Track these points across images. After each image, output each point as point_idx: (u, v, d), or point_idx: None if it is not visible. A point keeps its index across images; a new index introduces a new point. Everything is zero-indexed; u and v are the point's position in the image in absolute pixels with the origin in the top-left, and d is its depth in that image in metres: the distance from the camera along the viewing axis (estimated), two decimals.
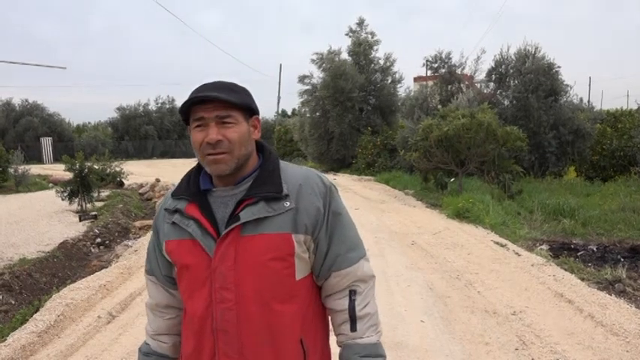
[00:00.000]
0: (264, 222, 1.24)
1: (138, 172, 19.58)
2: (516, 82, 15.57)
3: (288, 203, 1.26)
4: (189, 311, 1.33)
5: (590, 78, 58.36)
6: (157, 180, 16.54)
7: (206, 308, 1.27)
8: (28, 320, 4.26)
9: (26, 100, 36.00)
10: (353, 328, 1.33)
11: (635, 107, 17.68)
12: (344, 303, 1.34)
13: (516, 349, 3.66)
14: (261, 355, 1.26)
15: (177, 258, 1.32)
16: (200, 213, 1.28)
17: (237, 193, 1.29)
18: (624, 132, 15.27)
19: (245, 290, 1.24)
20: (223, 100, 1.24)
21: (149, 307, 1.49)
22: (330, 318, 1.42)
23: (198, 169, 1.39)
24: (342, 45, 23.42)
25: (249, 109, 1.31)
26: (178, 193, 1.35)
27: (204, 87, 1.29)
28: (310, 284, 1.35)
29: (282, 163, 1.36)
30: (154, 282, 1.46)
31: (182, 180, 1.39)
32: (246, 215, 1.24)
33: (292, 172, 1.34)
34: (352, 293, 1.34)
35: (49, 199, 12.25)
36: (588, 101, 23.44)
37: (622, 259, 6.20)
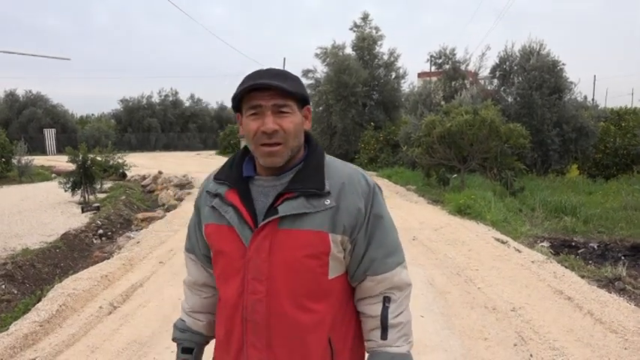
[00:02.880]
0: (303, 218, 1.21)
1: (141, 164, 19.61)
2: (520, 79, 15.51)
3: (329, 201, 1.22)
4: (222, 297, 1.33)
5: (594, 76, 58.24)
6: (160, 172, 16.57)
7: (238, 297, 1.26)
8: (30, 310, 4.29)
9: (30, 91, 36.07)
10: (384, 336, 1.29)
11: (639, 105, 17.62)
12: (377, 309, 1.30)
13: (515, 345, 3.68)
14: (288, 349, 1.24)
15: (213, 242, 1.32)
16: (240, 201, 1.26)
17: (278, 184, 1.26)
18: (628, 130, 15.23)
19: (277, 284, 1.22)
20: (281, 89, 1.21)
21: (187, 284, 1.50)
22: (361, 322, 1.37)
23: (243, 154, 1.36)
24: (346, 40, 23.38)
25: (302, 99, 1.28)
26: (220, 177, 1.33)
27: (260, 74, 1.25)
28: (343, 284, 1.31)
29: (328, 158, 1.32)
30: (193, 260, 1.46)
31: (225, 163, 1.37)
32: (284, 209, 1.21)
33: (336, 168, 1.30)
34: (386, 300, 1.30)
35: (52, 190, 12.30)
36: (592, 99, 23.37)
37: (622, 258, 6.21)
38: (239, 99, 1.26)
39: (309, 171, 1.26)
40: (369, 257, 1.28)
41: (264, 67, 1.29)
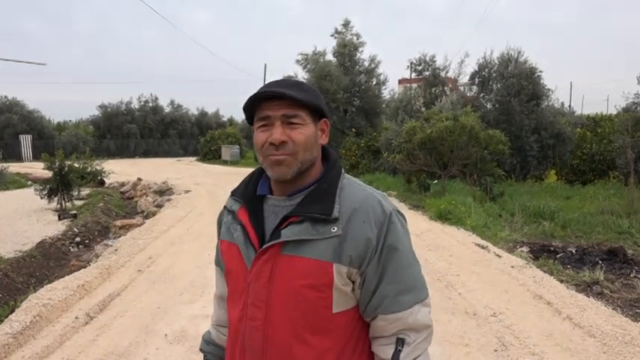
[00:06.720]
0: (306, 244, 1.12)
1: (120, 170, 19.34)
2: (499, 85, 15.73)
3: (335, 228, 1.12)
4: (229, 319, 1.29)
5: (571, 83, 59.61)
6: (139, 179, 16.36)
7: (239, 321, 1.20)
8: (3, 321, 4.17)
9: (5, 97, 35.21)
10: None
11: (614, 112, 18.01)
12: (388, 351, 1.16)
13: (495, 351, 3.70)
14: None
15: (224, 260, 1.28)
16: (248, 220, 1.20)
17: (288, 205, 1.19)
18: (604, 137, 15.52)
19: (275, 313, 1.14)
20: (291, 98, 1.13)
21: (215, 296, 1.49)
22: None
23: (260, 172, 1.30)
24: (328, 46, 23.43)
25: (318, 111, 1.20)
26: (236, 193, 1.29)
27: (270, 84, 1.19)
28: (352, 319, 1.19)
29: (345, 179, 1.23)
30: (219, 273, 1.43)
31: (243, 180, 1.32)
32: (287, 234, 1.13)
33: (351, 192, 1.19)
34: (399, 342, 1.16)
35: (28, 197, 12.05)
36: (569, 106, 23.87)
37: (600, 262, 6.29)
38: (251, 111, 1.20)
39: (319, 193, 1.16)
40: (381, 294, 1.15)
41: (280, 78, 1.24)
